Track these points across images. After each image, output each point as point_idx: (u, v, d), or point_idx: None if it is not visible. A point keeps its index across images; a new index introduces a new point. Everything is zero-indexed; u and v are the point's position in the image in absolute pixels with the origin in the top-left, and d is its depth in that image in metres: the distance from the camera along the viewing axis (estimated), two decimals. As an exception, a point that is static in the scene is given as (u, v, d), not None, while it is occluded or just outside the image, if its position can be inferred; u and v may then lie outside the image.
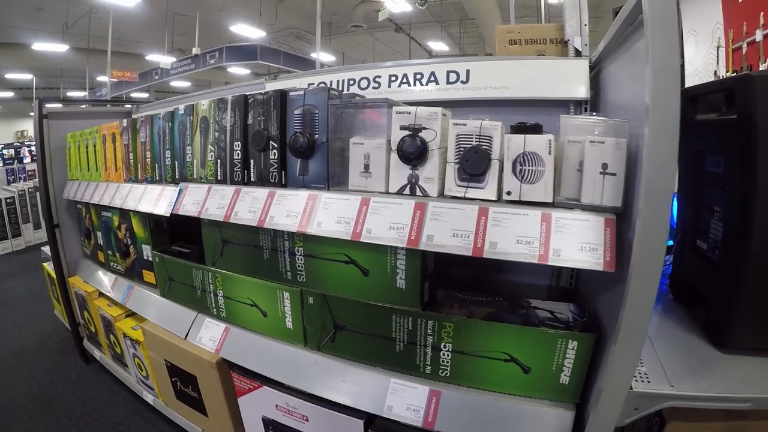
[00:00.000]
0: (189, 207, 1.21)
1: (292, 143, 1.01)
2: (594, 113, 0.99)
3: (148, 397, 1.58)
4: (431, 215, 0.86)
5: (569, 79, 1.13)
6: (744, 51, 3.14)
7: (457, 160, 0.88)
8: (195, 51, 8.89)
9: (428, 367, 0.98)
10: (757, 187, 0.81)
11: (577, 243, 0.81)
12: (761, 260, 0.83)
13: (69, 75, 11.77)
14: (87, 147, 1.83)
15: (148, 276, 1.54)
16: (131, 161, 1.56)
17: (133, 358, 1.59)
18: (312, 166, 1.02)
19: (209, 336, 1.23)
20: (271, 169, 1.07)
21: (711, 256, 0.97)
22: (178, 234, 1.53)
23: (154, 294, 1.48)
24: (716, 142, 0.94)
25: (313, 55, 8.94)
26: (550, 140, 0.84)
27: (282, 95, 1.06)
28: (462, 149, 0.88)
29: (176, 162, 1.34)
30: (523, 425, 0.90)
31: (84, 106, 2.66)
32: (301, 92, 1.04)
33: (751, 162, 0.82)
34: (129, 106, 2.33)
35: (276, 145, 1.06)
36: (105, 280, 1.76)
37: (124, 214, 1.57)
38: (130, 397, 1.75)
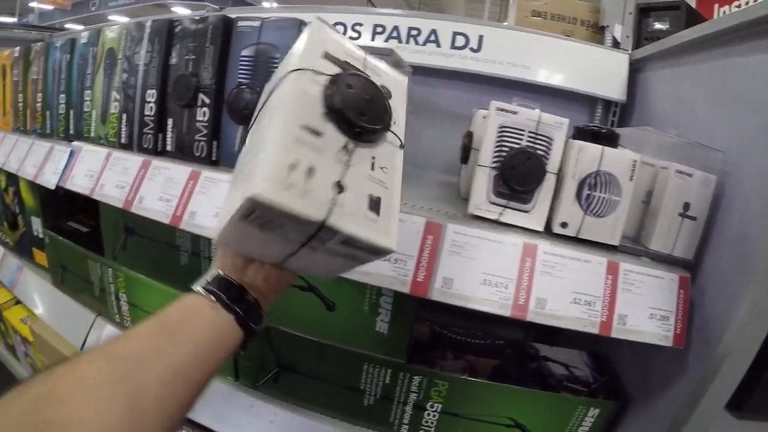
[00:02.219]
0: (80, 180, 0.70)
1: (233, 100, 0.55)
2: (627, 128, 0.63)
3: None
4: (450, 246, 0.47)
5: (604, 72, 0.76)
6: None
7: (495, 164, 0.48)
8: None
9: (405, 426, 0.62)
10: None
11: (646, 308, 0.48)
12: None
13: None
14: (-22, 81, 1.14)
15: (40, 257, 0.99)
16: (20, 105, 0.95)
17: (25, 356, 1.05)
18: None
19: (109, 353, 0.75)
20: (197, 137, 0.60)
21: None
22: (79, 204, 0.97)
23: (46, 281, 0.94)
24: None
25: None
26: (635, 161, 0.47)
27: (225, 24, 0.58)
28: (505, 149, 0.48)
29: (71, 111, 0.81)
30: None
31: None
32: (257, 23, 0.55)
33: None
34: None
35: (208, 101, 0.58)
36: (-8, 254, 1.15)
37: (12, 173, 0.96)
38: None
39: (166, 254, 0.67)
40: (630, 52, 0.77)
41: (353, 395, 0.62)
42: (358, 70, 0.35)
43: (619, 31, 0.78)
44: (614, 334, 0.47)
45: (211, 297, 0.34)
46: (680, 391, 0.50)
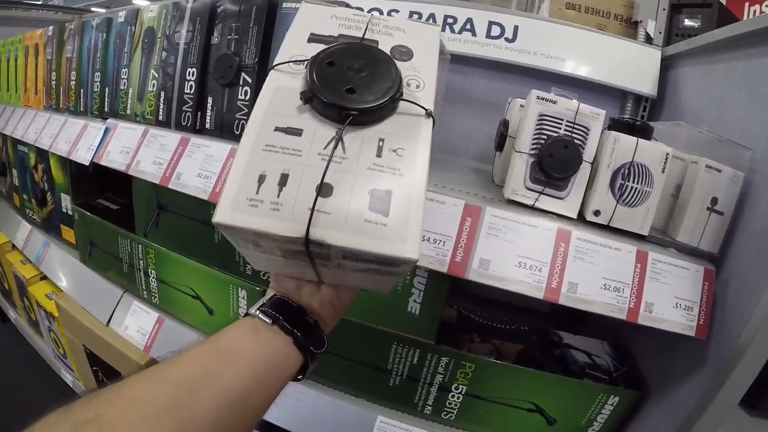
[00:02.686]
0: (115, 156, 0.70)
1: None
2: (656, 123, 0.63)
3: (67, 377, 1.08)
4: (487, 229, 0.47)
5: (636, 67, 0.76)
6: None
7: (534, 151, 0.49)
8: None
9: (429, 408, 0.63)
10: None
11: (672, 297, 0.48)
12: None
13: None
14: (9, 61, 1.16)
15: (67, 233, 1.00)
16: (53, 83, 0.95)
17: (49, 331, 1.07)
18: None
19: (137, 326, 0.77)
20: (238, 115, 0.60)
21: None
22: (109, 182, 0.98)
23: (73, 258, 0.95)
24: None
25: None
26: (667, 154, 0.48)
27: (270, 5, 0.57)
28: (543, 137, 0.49)
29: (107, 89, 0.81)
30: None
31: (16, 10, 1.75)
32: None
33: None
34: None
35: (250, 80, 0.58)
36: (19, 230, 1.17)
37: (42, 151, 0.97)
38: (48, 370, 1.22)
39: (200, 231, 0.68)
40: (662, 48, 0.77)
41: (380, 375, 0.62)
42: (354, 38, 0.29)
43: (652, 26, 0.78)
44: (641, 321, 0.48)
45: (268, 319, 0.31)
46: (698, 385, 0.50)
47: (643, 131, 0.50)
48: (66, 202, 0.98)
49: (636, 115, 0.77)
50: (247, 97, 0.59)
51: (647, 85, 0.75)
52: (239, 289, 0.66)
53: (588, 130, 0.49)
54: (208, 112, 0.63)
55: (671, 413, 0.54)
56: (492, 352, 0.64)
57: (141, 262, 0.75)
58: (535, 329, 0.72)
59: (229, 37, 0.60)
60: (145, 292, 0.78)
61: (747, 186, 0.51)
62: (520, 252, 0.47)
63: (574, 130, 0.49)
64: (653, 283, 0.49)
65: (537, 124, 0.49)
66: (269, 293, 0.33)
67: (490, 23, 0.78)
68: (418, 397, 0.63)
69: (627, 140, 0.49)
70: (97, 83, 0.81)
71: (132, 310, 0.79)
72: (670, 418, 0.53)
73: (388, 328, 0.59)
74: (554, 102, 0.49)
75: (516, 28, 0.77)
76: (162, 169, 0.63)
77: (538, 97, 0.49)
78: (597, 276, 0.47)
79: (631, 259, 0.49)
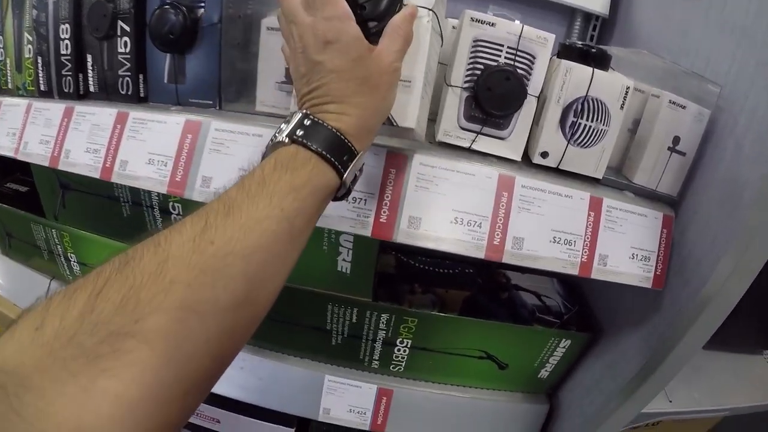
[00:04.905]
0: (2, 140, 0.55)
1: (155, 23, 0.41)
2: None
3: None
4: (415, 180, 0.37)
5: None
6: None
7: (468, 85, 0.37)
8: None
9: (376, 362, 0.56)
10: None
11: (628, 247, 0.40)
12: None
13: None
14: None
15: None
16: None
17: None
18: (192, 66, 0.44)
19: (69, 317, 0.64)
20: (120, 72, 0.46)
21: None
22: (15, 161, 0.80)
23: None
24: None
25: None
26: (628, 88, 0.37)
27: None
28: (479, 67, 0.37)
29: None
30: (494, 420, 0.57)
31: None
32: None
33: None
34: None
35: (128, 29, 0.43)
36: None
37: None
38: None
39: (107, 207, 0.55)
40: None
41: (320, 335, 0.54)
42: None
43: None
44: (594, 275, 0.40)
45: (320, 157, 0.25)
46: (653, 328, 0.44)
47: (599, 60, 0.39)
48: (-26, 191, 0.81)
49: (585, 35, 0.65)
50: (128, 50, 0.44)
51: (598, 3, 0.63)
52: None
53: (534, 58, 0.38)
54: (90, 73, 0.48)
55: (624, 354, 0.48)
56: (435, 303, 0.56)
57: (59, 247, 0.62)
58: (481, 271, 0.64)
59: (100, -21, 0.45)
60: (70, 278, 0.65)
61: (712, 124, 0.41)
62: (456, 206, 0.36)
63: (517, 59, 0.37)
64: (608, 233, 0.40)
65: (472, 52, 0.37)
66: (297, 116, 0.26)
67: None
68: (363, 353, 0.55)
69: (581, 71, 0.37)
70: (-22, 56, 0.64)
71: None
72: (623, 358, 0.48)
73: (321, 288, 0.50)
74: (492, 24, 0.37)
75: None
76: (50, 148, 0.49)
77: (472, 19, 0.37)
78: (545, 228, 0.38)
79: (583, 207, 0.39)
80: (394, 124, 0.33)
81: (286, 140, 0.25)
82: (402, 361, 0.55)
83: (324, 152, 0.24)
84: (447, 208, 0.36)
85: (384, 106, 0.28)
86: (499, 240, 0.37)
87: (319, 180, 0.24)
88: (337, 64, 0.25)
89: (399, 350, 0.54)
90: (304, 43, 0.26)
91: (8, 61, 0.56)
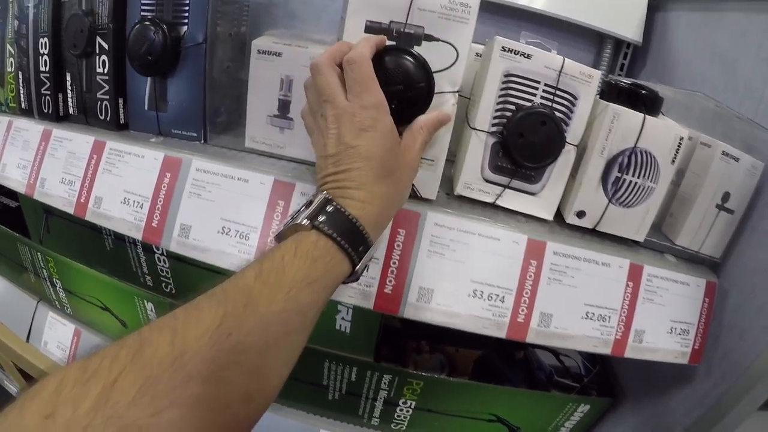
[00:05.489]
0: None
1: (134, 43, 0.35)
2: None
3: (11, 388, 0.92)
4: (428, 243, 0.31)
5: (618, 6, 0.56)
6: None
7: (496, 128, 0.31)
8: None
9: (376, 419, 0.50)
10: None
11: (667, 321, 0.34)
12: None
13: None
14: None
15: None
16: None
17: None
18: (174, 92, 0.38)
19: (56, 340, 0.60)
20: (99, 94, 0.40)
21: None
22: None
23: None
24: None
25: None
26: (681, 138, 0.30)
27: None
28: (509, 107, 0.30)
29: None
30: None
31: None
32: None
33: None
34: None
35: (106, 46, 0.37)
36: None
37: None
38: None
39: (91, 238, 0.49)
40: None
41: (317, 390, 0.48)
42: (399, 29, 0.27)
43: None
44: (628, 354, 0.33)
45: (332, 242, 0.24)
46: (684, 398, 0.38)
47: (650, 104, 0.32)
48: (-37, 204, 0.76)
49: (615, 64, 0.58)
50: (106, 70, 0.38)
51: (631, 29, 0.55)
52: (145, 301, 0.48)
53: (575, 98, 0.31)
54: (69, 94, 0.42)
55: (646, 422, 0.42)
56: (444, 365, 0.50)
57: (44, 271, 0.57)
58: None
59: (80, -9, 0.38)
60: (57, 303, 0.60)
61: (764, 178, 0.35)
62: (476, 276, 0.30)
63: (556, 98, 0.30)
64: (646, 305, 0.34)
65: (502, 89, 0.30)
66: (319, 198, 0.25)
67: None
68: (363, 410, 0.49)
69: (630, 118, 0.30)
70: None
71: (48, 322, 0.62)
72: (652, 426, 0.41)
73: (318, 345, 0.44)
74: (527, 56, 0.30)
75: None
76: (26, 174, 0.43)
77: (503, 49, 0.30)
78: (578, 302, 0.32)
79: (621, 277, 0.33)
80: (418, 195, 0.27)
81: (307, 224, 0.24)
82: (404, 420, 0.48)
83: (344, 243, 0.24)
84: (465, 279, 0.30)
85: (401, 201, 0.28)
86: (524, 317, 0.31)
87: (335, 272, 0.24)
88: (372, 152, 0.25)
89: (402, 410, 0.47)
90: (340, 125, 0.25)
91: (-7, 75, 0.51)
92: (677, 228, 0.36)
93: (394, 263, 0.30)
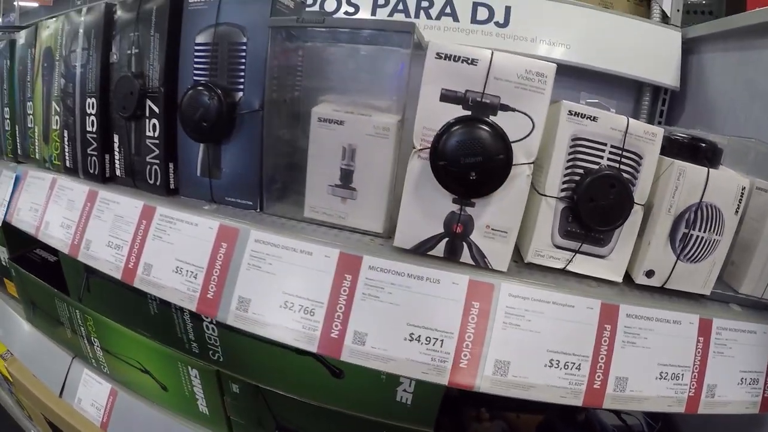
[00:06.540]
0: (25, 215, 0.50)
1: (187, 108, 0.33)
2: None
3: None
4: (503, 315, 0.29)
5: (653, 52, 0.55)
6: None
7: (565, 194, 0.29)
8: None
9: None
10: None
11: (737, 372, 0.32)
12: None
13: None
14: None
15: (11, 287, 0.76)
16: None
17: (10, 394, 0.85)
18: (229, 159, 0.36)
19: (91, 398, 0.58)
20: (148, 158, 0.39)
21: None
22: None
23: (19, 316, 0.73)
24: None
25: None
26: (743, 188, 0.29)
27: (174, 3, 0.33)
28: (578, 171, 0.29)
29: (17, 126, 0.56)
30: None
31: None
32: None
33: None
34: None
35: (157, 110, 0.35)
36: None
37: None
38: (18, 429, 0.98)
39: (134, 301, 0.48)
40: (682, 28, 0.55)
41: None
42: (475, 98, 0.26)
43: (667, 2, 0.56)
44: (701, 410, 0.32)
45: None
46: None
47: (711, 156, 0.31)
48: (3, 254, 0.74)
49: (654, 111, 0.57)
50: (156, 134, 0.37)
51: (668, 75, 0.54)
52: (189, 367, 0.46)
53: (640, 158, 0.30)
54: (116, 155, 0.40)
55: None
56: (505, 431, 0.48)
57: (82, 328, 0.55)
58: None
59: (129, 51, 0.37)
60: (93, 361, 0.58)
61: None
62: (551, 345, 0.29)
63: (623, 159, 0.29)
64: (717, 359, 0.32)
65: (570, 153, 0.29)
66: None
67: (476, 5, 0.54)
68: None
69: (695, 173, 0.29)
70: (8, 120, 0.56)
71: (83, 380, 0.60)
72: None
73: (377, 417, 0.41)
74: (593, 119, 0.29)
75: (508, 9, 0.54)
76: (71, 234, 0.42)
77: (570, 113, 0.29)
78: (652, 363, 0.30)
79: (692, 333, 0.31)
80: (489, 266, 0.25)
81: None
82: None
83: None
84: (541, 349, 0.28)
85: None
86: (600, 383, 0.29)
87: None
88: None
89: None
90: None
91: (36, 129, 0.50)
92: (740, 276, 0.35)
93: (469, 337, 0.28)
